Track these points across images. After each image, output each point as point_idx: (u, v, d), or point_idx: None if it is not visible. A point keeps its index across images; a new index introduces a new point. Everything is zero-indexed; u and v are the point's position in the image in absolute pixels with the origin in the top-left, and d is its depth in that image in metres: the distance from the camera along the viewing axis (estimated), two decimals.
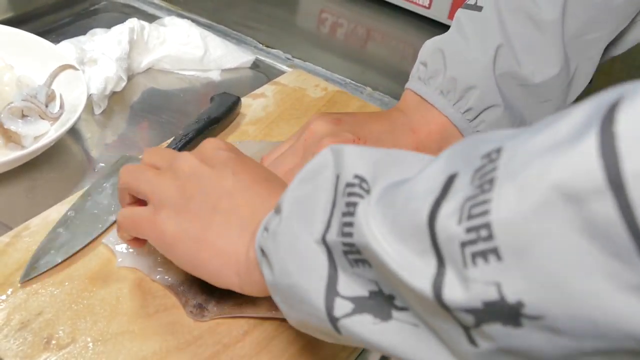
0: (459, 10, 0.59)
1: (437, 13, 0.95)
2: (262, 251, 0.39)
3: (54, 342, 0.45)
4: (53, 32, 0.82)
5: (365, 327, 0.33)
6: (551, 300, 0.25)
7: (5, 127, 0.64)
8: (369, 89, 0.83)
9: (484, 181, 0.27)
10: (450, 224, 0.27)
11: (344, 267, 0.34)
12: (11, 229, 0.57)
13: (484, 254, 0.26)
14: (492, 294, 0.26)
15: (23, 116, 0.65)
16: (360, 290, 0.33)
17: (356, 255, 0.32)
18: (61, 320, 0.47)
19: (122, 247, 0.52)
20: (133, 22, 0.76)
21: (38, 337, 0.45)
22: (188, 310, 0.49)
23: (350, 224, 0.32)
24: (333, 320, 0.34)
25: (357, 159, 0.35)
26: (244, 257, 0.42)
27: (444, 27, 0.93)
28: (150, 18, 0.88)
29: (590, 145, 0.23)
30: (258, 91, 0.76)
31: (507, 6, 0.56)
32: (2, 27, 0.73)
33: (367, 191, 0.33)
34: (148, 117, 0.73)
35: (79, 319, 0.47)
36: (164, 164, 0.47)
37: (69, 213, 0.55)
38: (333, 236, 0.34)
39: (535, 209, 0.24)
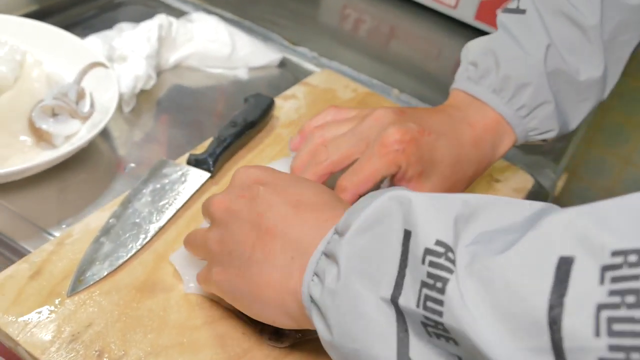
0: (501, 14, 0.60)
1: (463, 13, 0.94)
2: (312, 299, 0.37)
3: (106, 355, 0.45)
4: (78, 26, 0.80)
5: None
6: None
7: (37, 126, 0.62)
8: (396, 90, 0.83)
9: (626, 290, 0.24)
10: (585, 336, 0.24)
11: (418, 334, 0.31)
12: (45, 231, 0.56)
13: None
14: None
15: (54, 115, 0.64)
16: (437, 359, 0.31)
17: (440, 332, 0.30)
18: (111, 333, 0.46)
19: (189, 273, 0.51)
20: (161, 19, 0.74)
21: (90, 350, 0.45)
22: (266, 337, 0.48)
23: (438, 302, 0.30)
24: None
25: (434, 219, 0.31)
26: (292, 301, 0.40)
27: (470, 28, 0.93)
28: (175, 12, 0.87)
29: None
30: (288, 92, 0.75)
31: (548, 10, 0.57)
32: (29, 22, 0.71)
33: (454, 262, 0.30)
34: (177, 116, 0.72)
35: (129, 331, 0.47)
36: (209, 218, 0.46)
37: (110, 221, 0.54)
38: (410, 305, 0.31)
39: None
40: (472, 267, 0.29)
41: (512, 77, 0.56)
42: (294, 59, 0.84)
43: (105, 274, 0.50)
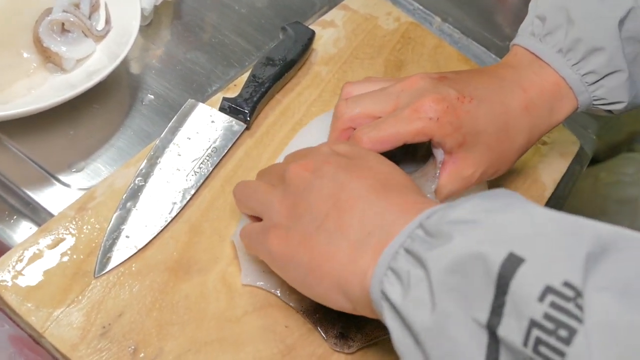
0: None
1: None
2: (386, 296, 0.34)
3: (142, 354, 0.40)
4: None
5: None
6: None
7: (45, 45, 0.54)
8: (438, 19, 0.75)
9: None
10: None
11: None
12: (53, 176, 0.50)
13: None
14: None
15: (63, 31, 0.55)
16: None
17: None
18: (145, 325, 0.42)
19: (249, 262, 0.46)
20: None
21: (123, 346, 0.40)
22: (331, 342, 0.44)
23: (557, 352, 0.27)
24: None
25: (564, 256, 0.28)
26: (356, 283, 0.36)
27: None
28: None
29: None
30: (327, 17, 0.66)
31: None
32: None
33: (582, 309, 0.27)
34: (199, 34, 0.63)
35: (164, 324, 0.42)
36: (276, 180, 0.42)
37: (137, 181, 0.47)
38: (513, 340, 0.28)
39: None
40: (606, 325, 0.26)
41: (584, 38, 0.49)
42: None
43: (135, 251, 0.44)
